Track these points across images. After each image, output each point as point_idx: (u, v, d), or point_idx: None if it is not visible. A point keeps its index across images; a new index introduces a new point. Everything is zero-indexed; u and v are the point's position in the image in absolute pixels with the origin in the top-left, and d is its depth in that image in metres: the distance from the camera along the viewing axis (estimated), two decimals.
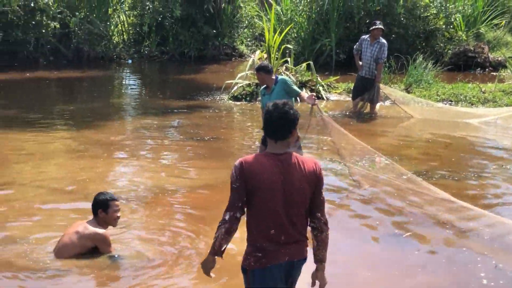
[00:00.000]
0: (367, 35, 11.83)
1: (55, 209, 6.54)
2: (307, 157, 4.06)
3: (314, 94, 8.19)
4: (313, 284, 3.61)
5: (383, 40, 11.74)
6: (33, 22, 18.42)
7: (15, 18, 17.74)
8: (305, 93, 8.02)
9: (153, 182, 7.54)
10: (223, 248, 3.58)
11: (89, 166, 8.18)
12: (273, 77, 7.30)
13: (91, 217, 5.17)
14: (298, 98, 7.47)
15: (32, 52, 18.65)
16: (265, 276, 3.50)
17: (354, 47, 12.13)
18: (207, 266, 3.63)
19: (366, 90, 11.80)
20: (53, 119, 11.78)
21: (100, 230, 5.08)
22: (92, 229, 5.06)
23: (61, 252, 5.06)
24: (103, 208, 5.09)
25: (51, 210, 6.52)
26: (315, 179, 3.59)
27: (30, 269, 4.95)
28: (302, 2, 19.72)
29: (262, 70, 7.26)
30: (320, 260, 3.54)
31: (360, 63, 11.80)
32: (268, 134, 3.62)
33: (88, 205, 5.25)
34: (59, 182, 7.46)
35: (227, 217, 3.49)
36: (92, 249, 5.08)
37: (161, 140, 10.00)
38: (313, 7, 19.29)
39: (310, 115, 7.63)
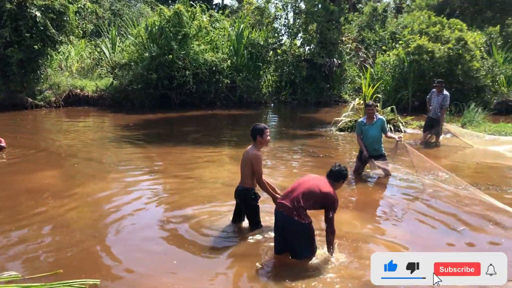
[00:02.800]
0: (434, 89, 11.32)
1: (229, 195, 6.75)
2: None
3: (402, 136, 8.43)
4: None
5: (446, 92, 11.23)
6: (214, 79, 19.29)
7: (203, 76, 18.69)
8: (390, 133, 8.06)
9: (286, 180, 7.60)
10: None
11: None
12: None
13: None
14: (386, 134, 7.89)
15: (213, 98, 19.51)
16: None
17: (427, 96, 11.66)
18: None
19: (433, 126, 11.30)
20: (223, 140, 12.27)
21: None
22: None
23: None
24: (260, 134, 5.09)
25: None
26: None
27: None
28: (389, 66, 19.16)
29: (373, 106, 7.91)
30: None
31: (430, 107, 11.35)
32: None
33: None
34: (228, 180, 7.70)
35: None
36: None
37: (291, 156, 10.09)
38: (396, 69, 18.69)
39: (396, 145, 7.81)
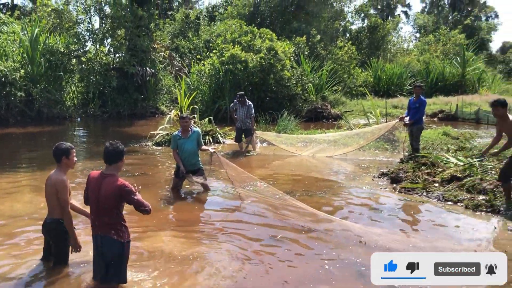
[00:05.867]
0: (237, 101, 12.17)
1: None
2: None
3: (215, 147, 8.65)
4: None
5: (250, 102, 12.20)
6: (4, 92, 17.42)
7: None
8: (205, 146, 8.22)
9: None
10: None
11: None
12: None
13: None
14: (200, 147, 8.01)
15: (4, 114, 17.62)
16: None
17: (231, 106, 12.46)
18: None
19: (245, 137, 12.10)
20: (20, 165, 11.06)
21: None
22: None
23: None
24: (65, 155, 4.63)
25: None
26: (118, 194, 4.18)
27: None
28: (205, 75, 19.85)
29: (188, 119, 7.96)
30: None
31: (236, 116, 12.19)
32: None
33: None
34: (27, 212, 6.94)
35: None
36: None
37: None
38: (212, 79, 19.47)
39: (211, 157, 8.02)
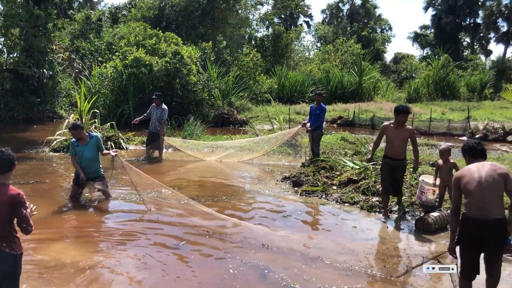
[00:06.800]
0: (154, 103, 11.87)
1: None
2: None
3: (116, 150, 8.26)
4: None
5: (165, 106, 11.91)
6: None
7: None
8: (107, 151, 7.84)
9: None
10: None
11: None
12: (86, 133, 7.49)
13: None
14: (102, 152, 7.67)
15: None
16: None
17: (147, 112, 12.08)
18: None
19: (154, 141, 11.80)
20: None
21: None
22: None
23: None
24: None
25: None
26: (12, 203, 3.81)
27: None
28: (107, 78, 19.16)
29: (78, 128, 7.46)
30: None
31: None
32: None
33: None
34: None
35: None
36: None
37: None
38: (115, 82, 18.85)
39: (112, 162, 7.73)
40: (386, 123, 7.26)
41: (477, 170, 4.12)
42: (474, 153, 4.33)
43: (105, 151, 7.72)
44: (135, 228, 6.58)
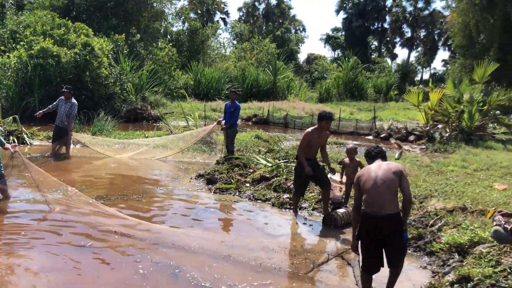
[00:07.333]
0: (63, 96, 11.24)
1: None
2: None
3: (16, 144, 7.69)
4: None
5: (75, 100, 11.31)
6: None
7: None
8: (8, 145, 7.28)
9: None
10: None
11: None
12: None
13: None
14: (3, 146, 7.19)
15: None
16: None
17: (55, 103, 11.38)
18: None
19: (61, 136, 11.21)
20: None
21: None
22: None
23: None
24: None
25: None
26: None
27: None
28: (10, 69, 17.85)
29: None
30: None
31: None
32: None
33: None
34: None
35: None
36: None
37: None
38: (19, 73, 17.67)
39: (11, 159, 7.26)
40: (309, 130, 7.17)
41: (375, 170, 4.43)
42: (370, 155, 4.79)
43: (7, 145, 7.20)
44: (37, 229, 6.21)
